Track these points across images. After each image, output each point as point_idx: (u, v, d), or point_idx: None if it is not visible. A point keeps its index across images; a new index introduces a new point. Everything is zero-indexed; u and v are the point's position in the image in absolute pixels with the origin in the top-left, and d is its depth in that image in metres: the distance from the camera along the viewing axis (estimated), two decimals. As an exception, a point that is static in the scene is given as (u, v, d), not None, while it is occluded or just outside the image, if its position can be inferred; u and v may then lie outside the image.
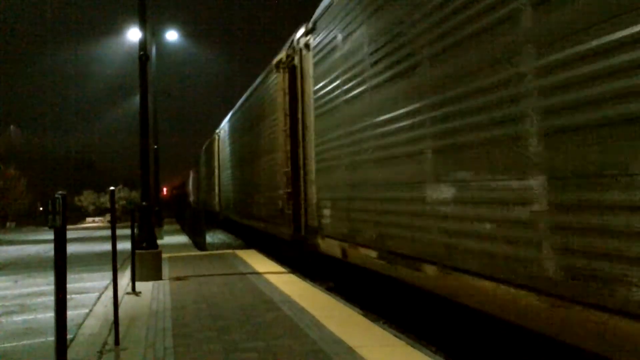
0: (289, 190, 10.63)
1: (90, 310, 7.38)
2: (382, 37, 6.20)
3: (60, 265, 3.61)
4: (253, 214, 15.55)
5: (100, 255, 15.43)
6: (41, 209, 44.57)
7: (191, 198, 40.91)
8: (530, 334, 3.91)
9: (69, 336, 4.92)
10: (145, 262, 9.53)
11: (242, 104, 17.92)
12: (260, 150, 14.11)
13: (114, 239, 5.73)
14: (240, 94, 18.50)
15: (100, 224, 42.62)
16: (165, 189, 64.33)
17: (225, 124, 22.89)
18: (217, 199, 26.36)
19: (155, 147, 27.08)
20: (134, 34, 23.58)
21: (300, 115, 9.92)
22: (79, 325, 6.42)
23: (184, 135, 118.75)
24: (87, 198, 54.27)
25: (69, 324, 3.89)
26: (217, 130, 25.66)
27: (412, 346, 4.85)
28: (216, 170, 25.96)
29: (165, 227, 26.27)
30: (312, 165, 9.18)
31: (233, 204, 20.72)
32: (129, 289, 8.31)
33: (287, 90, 10.85)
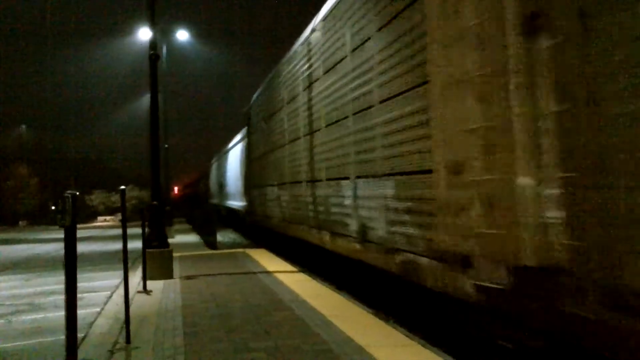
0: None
1: (102, 309, 7.40)
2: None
3: (71, 264, 3.62)
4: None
5: (111, 254, 15.50)
6: (52, 208, 44.91)
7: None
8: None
9: (79, 335, 4.93)
10: (156, 261, 9.55)
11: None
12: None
13: (125, 238, 5.74)
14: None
15: (111, 223, 42.90)
16: (176, 188, 64.32)
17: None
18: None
19: (166, 146, 27.19)
20: (144, 34, 23.77)
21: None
22: (90, 324, 6.44)
23: (193, 134, 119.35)
24: (97, 197, 54.69)
25: (80, 322, 3.90)
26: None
27: (422, 346, 4.82)
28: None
29: (177, 227, 26.36)
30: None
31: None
32: (140, 288, 8.35)
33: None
